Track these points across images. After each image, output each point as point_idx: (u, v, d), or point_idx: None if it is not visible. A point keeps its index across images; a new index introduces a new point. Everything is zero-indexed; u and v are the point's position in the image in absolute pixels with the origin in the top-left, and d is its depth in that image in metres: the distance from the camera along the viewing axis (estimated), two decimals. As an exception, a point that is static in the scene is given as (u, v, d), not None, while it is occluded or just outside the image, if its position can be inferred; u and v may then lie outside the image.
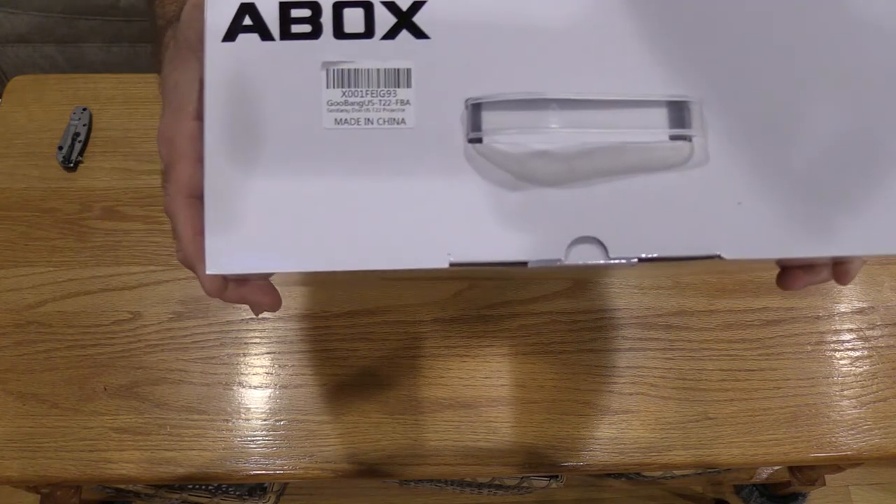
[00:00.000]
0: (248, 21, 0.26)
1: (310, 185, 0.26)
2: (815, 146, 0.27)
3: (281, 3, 0.27)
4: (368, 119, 0.27)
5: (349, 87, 0.27)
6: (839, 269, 0.32)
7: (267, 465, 0.60)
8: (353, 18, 0.27)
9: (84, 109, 0.75)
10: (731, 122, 0.27)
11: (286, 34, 0.27)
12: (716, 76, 0.27)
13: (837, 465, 0.83)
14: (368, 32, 0.27)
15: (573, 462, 0.62)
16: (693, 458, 0.63)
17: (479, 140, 0.27)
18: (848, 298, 0.71)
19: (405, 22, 0.27)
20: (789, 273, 0.32)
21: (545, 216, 0.26)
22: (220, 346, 0.65)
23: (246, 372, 0.64)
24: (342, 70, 0.27)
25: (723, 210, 0.26)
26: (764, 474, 0.93)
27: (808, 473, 0.87)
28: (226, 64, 0.27)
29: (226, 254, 0.26)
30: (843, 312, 0.70)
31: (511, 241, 0.26)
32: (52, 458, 0.60)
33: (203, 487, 0.81)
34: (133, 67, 1.20)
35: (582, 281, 0.68)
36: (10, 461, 0.59)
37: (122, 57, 1.18)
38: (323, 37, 0.27)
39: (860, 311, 0.70)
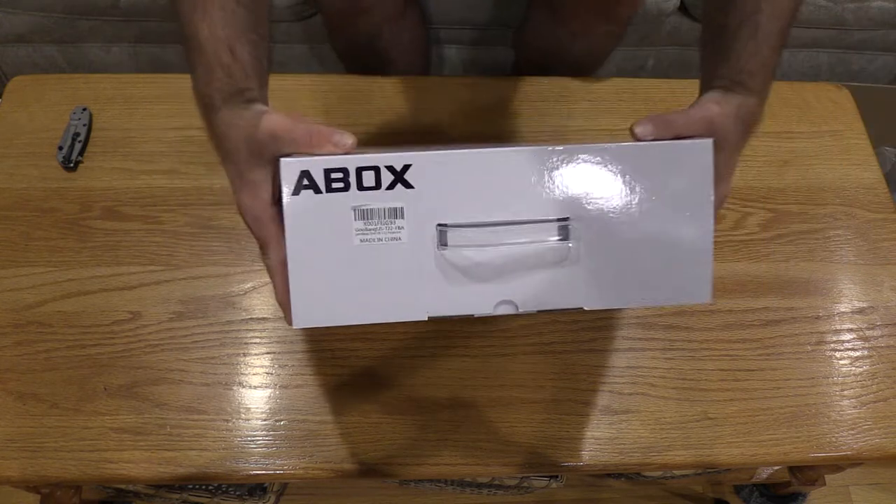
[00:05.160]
0: (305, 182, 0.43)
1: (347, 277, 0.45)
2: (637, 248, 0.46)
3: (325, 170, 0.43)
4: (380, 238, 0.44)
5: (368, 219, 0.44)
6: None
7: (267, 465, 0.60)
8: (369, 177, 0.44)
9: (84, 109, 0.75)
10: (593, 235, 0.46)
11: (329, 189, 0.44)
12: (585, 206, 0.45)
13: (837, 465, 0.83)
14: (377, 185, 0.44)
15: (573, 462, 0.62)
16: (693, 458, 0.63)
17: (446, 248, 0.45)
18: (848, 298, 0.71)
19: (399, 178, 0.44)
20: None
21: (482, 291, 0.46)
22: (220, 346, 0.65)
23: (246, 372, 0.64)
24: (363, 209, 0.44)
25: (586, 284, 0.46)
26: (764, 474, 0.93)
27: (808, 473, 0.87)
28: (295, 209, 0.43)
29: (302, 315, 0.45)
30: (843, 312, 0.70)
31: (463, 304, 0.46)
32: (52, 458, 0.60)
33: (203, 487, 0.81)
34: (133, 67, 1.20)
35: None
36: (10, 461, 0.59)
37: (122, 57, 1.18)
38: (351, 189, 0.44)
39: (860, 311, 0.70)
